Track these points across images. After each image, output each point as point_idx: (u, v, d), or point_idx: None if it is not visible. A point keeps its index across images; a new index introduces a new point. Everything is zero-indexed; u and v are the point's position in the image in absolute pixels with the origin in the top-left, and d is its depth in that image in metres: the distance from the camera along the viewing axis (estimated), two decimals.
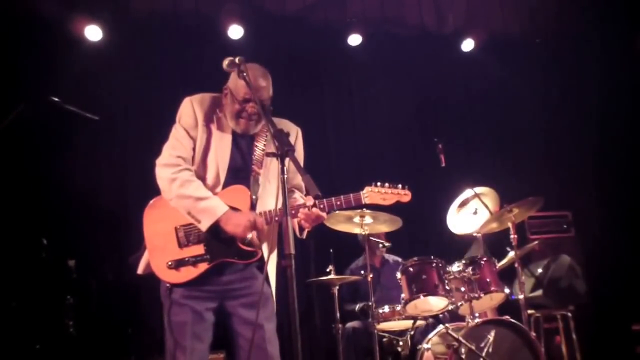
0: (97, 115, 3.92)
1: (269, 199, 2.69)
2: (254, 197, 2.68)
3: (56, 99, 3.67)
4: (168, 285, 2.60)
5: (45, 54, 4.97)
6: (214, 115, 2.71)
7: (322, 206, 2.63)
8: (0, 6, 4.87)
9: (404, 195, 2.83)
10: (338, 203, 2.67)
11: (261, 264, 2.66)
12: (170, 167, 2.63)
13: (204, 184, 2.65)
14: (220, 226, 2.56)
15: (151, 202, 2.72)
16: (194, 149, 2.67)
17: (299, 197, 2.81)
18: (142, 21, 5.26)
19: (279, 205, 2.23)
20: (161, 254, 2.61)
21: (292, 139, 2.41)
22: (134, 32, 5.25)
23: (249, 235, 2.57)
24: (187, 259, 2.60)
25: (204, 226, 2.57)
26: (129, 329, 4.62)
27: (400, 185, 2.84)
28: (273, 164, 2.69)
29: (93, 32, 5.12)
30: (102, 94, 5.05)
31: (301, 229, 2.70)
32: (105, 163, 5.26)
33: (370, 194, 2.74)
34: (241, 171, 2.71)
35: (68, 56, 5.02)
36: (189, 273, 2.59)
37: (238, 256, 2.63)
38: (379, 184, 2.77)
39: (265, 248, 2.69)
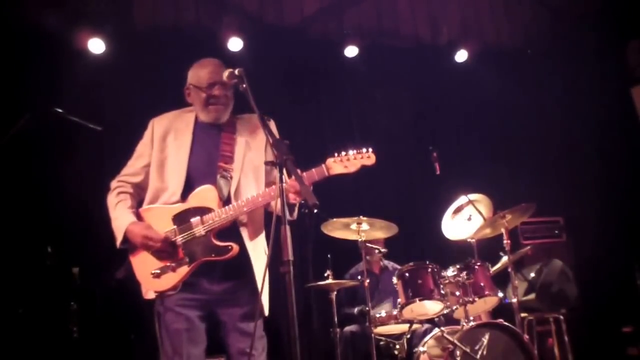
0: (100, 126, 3.98)
1: (248, 188, 2.73)
2: (224, 193, 2.70)
3: (60, 110, 3.73)
4: (156, 294, 2.65)
5: (50, 66, 5.00)
6: (172, 129, 2.86)
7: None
8: (5, 19, 4.93)
9: (367, 158, 2.71)
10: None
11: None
12: (110, 192, 2.84)
13: (168, 193, 2.72)
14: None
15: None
16: (148, 166, 2.81)
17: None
18: (144, 34, 5.33)
19: (278, 210, 2.25)
20: (144, 265, 2.67)
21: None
22: (136, 44, 5.29)
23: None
24: (167, 265, 2.64)
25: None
26: (132, 335, 4.65)
27: (364, 149, 2.73)
28: (248, 156, 2.77)
29: (96, 45, 5.17)
30: (105, 105, 5.10)
31: (291, 209, 2.64)
32: (108, 173, 5.29)
33: (333, 164, 2.67)
34: (206, 173, 2.74)
35: (72, 68, 5.05)
36: (170, 279, 2.62)
37: (215, 253, 2.64)
38: (342, 152, 2.70)
39: (245, 236, 2.70)
